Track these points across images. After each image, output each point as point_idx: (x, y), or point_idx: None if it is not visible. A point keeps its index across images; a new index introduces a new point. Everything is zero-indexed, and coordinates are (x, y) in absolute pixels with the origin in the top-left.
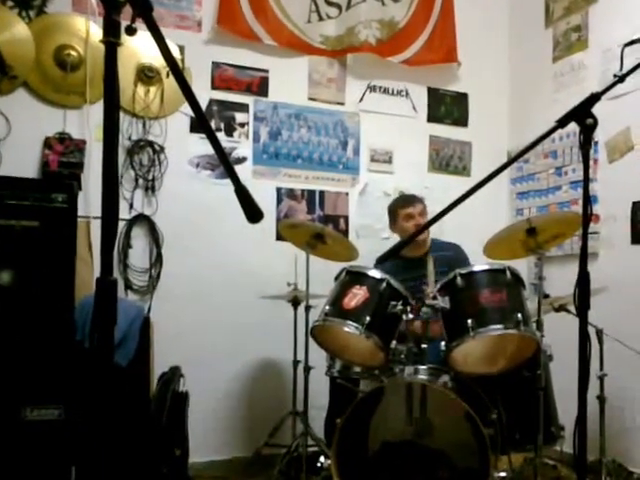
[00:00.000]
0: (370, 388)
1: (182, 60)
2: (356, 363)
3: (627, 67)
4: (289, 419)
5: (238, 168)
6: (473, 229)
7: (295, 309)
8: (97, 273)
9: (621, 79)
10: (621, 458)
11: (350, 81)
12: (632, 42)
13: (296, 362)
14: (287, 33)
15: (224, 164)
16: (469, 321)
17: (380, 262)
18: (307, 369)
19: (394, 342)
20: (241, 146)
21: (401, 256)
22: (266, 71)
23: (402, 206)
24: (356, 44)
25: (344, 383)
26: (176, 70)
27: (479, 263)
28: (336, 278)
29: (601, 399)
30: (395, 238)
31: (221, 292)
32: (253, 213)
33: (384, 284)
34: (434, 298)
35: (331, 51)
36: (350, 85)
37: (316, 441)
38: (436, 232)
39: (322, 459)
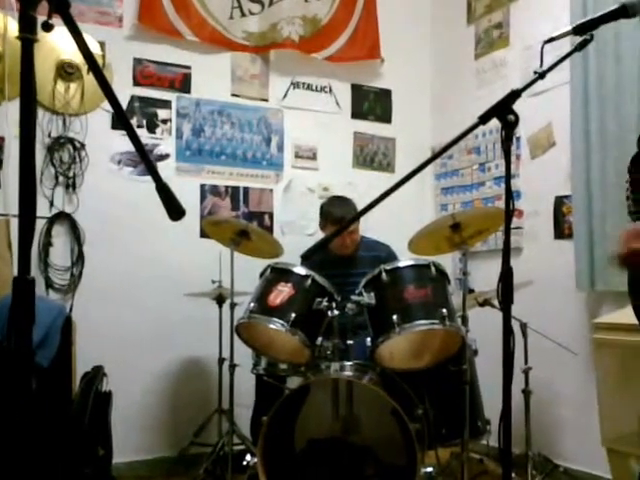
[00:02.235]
0: (296, 385)
1: (103, 56)
2: (282, 360)
3: (547, 64)
4: (215, 417)
5: (161, 165)
6: (398, 225)
7: (220, 306)
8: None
9: (541, 76)
10: (547, 451)
11: (273, 77)
12: (552, 39)
13: (221, 360)
14: (209, 29)
15: (144, 161)
16: (394, 317)
17: (305, 258)
18: (232, 367)
19: (320, 338)
20: (164, 143)
21: (330, 253)
22: (189, 67)
23: (333, 222)
24: (279, 40)
25: (270, 380)
26: (94, 66)
27: (404, 259)
28: (261, 275)
29: (526, 393)
30: (320, 234)
31: (145, 290)
32: (174, 210)
33: (309, 281)
34: (360, 294)
35: (254, 47)
36: (273, 81)
37: (242, 439)
38: (362, 228)
39: (248, 457)
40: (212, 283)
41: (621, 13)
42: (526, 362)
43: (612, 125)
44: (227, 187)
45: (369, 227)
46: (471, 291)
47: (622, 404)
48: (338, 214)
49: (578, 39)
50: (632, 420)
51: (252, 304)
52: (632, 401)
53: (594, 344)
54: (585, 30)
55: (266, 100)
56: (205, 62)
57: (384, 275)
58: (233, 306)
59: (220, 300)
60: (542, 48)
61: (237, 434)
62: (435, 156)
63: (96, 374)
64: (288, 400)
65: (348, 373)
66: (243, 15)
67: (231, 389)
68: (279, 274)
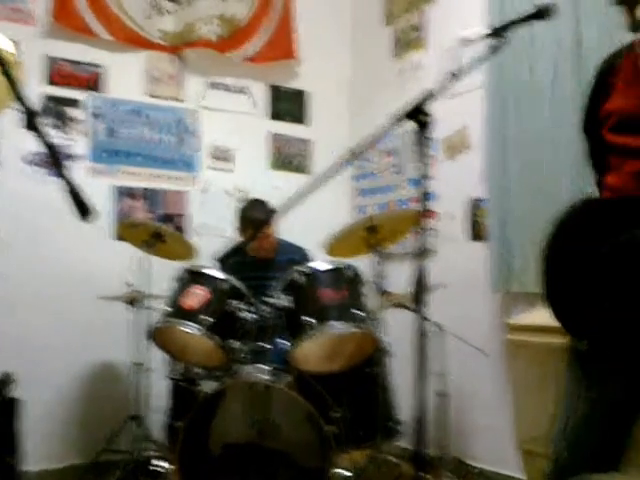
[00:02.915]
0: (212, 389)
1: (14, 54)
2: (197, 364)
3: (464, 66)
4: (128, 423)
5: (74, 166)
6: (316, 227)
7: (134, 310)
8: None
9: (455, 78)
10: (462, 453)
11: (190, 78)
12: (467, 41)
13: (135, 365)
14: (124, 28)
15: (53, 161)
16: (310, 319)
17: (220, 261)
18: (146, 371)
19: (236, 342)
20: (77, 143)
21: (248, 256)
22: (104, 67)
23: (251, 225)
24: (196, 40)
25: (185, 385)
26: (2, 65)
27: (320, 261)
28: (176, 278)
29: (442, 395)
30: (237, 237)
31: (57, 294)
32: (84, 211)
33: (225, 283)
34: (276, 297)
35: (170, 47)
36: (190, 82)
37: (157, 445)
38: (279, 231)
39: (163, 464)
40: (126, 286)
41: (535, 16)
42: (442, 364)
43: (526, 128)
44: (142, 189)
45: (286, 230)
46: (387, 293)
47: (536, 405)
48: (256, 217)
49: (494, 42)
50: (545, 420)
51: (166, 308)
52: (545, 401)
53: (508, 345)
54: (500, 33)
55: (183, 101)
56: (121, 61)
57: (300, 278)
58: (147, 310)
59: (134, 303)
60: (457, 50)
61: (151, 440)
62: (348, 158)
63: (4, 381)
64: (203, 405)
65: (264, 377)
66: (159, 14)
67: (145, 394)
68: (194, 277)
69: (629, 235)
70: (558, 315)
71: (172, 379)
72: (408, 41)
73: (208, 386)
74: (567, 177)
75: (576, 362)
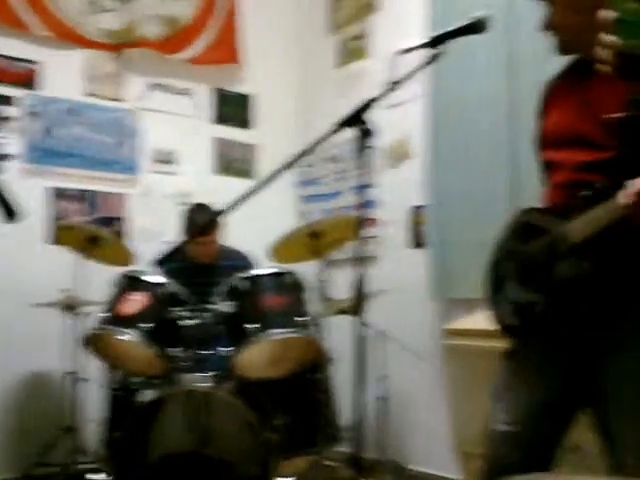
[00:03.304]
0: (150, 398)
1: None
2: (135, 373)
3: (402, 76)
4: (63, 436)
5: (7, 166)
6: (260, 233)
7: (69, 317)
8: None
9: (395, 87)
10: (401, 456)
11: (130, 77)
12: (406, 51)
13: (70, 374)
14: (61, 24)
15: None
16: (252, 326)
17: (158, 265)
18: (82, 381)
19: (175, 349)
20: (10, 142)
21: (190, 261)
22: (39, 63)
23: (195, 230)
24: (136, 39)
25: (123, 395)
26: None
27: (264, 267)
28: (113, 284)
29: (383, 399)
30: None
31: None
32: (10, 212)
33: (164, 289)
34: (217, 303)
35: (110, 45)
36: (130, 82)
37: (92, 458)
38: (222, 237)
39: (99, 477)
40: (60, 292)
41: (470, 29)
42: (382, 369)
43: (463, 137)
44: (78, 190)
45: (230, 235)
46: (329, 299)
47: (472, 407)
48: (200, 222)
49: (431, 53)
50: (480, 422)
51: (103, 314)
52: (480, 404)
53: (444, 350)
54: (437, 44)
55: (122, 101)
56: (57, 58)
57: (243, 283)
58: (83, 316)
59: (69, 310)
60: (398, 59)
61: (87, 452)
62: (289, 164)
63: None
64: (141, 414)
65: (204, 384)
66: (99, 11)
67: (80, 405)
68: (132, 282)
69: (547, 238)
70: (496, 316)
71: (109, 389)
72: (352, 50)
73: (147, 395)
74: (503, 184)
75: (509, 363)
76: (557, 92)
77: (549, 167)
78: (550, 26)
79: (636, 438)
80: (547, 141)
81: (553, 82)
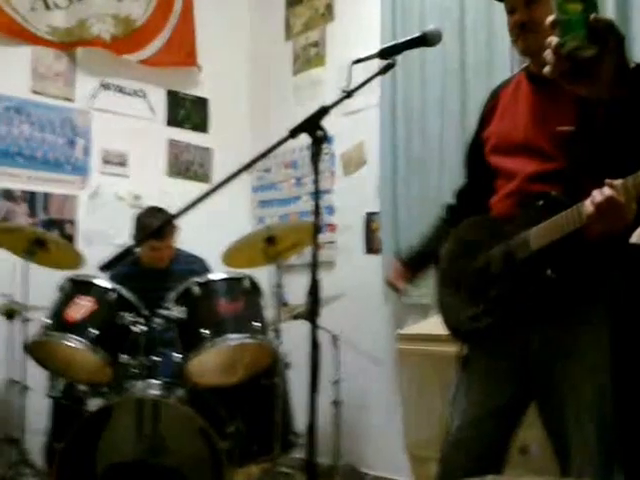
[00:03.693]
0: (97, 407)
1: None
2: (81, 381)
3: (356, 84)
4: (3, 447)
5: None
6: (214, 237)
7: (11, 323)
8: None
9: (349, 95)
10: (356, 461)
11: (81, 77)
12: (359, 60)
13: (11, 382)
14: (6, 19)
15: None
16: (206, 331)
17: (104, 269)
18: (24, 390)
19: (124, 356)
20: None
21: (142, 266)
22: None
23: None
24: (88, 38)
25: (68, 403)
26: None
27: (218, 272)
28: (60, 288)
29: (337, 404)
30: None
31: None
32: None
33: (113, 294)
34: (169, 308)
35: (59, 43)
36: (81, 81)
37: (34, 470)
38: (177, 241)
39: None
40: (2, 297)
41: (421, 41)
42: (337, 373)
43: (417, 145)
44: (24, 192)
45: (184, 240)
46: (285, 304)
47: (424, 411)
48: (153, 225)
49: (384, 63)
50: (432, 426)
51: (48, 320)
52: (432, 407)
53: (398, 354)
54: (390, 54)
55: (72, 100)
56: (3, 55)
57: (196, 288)
58: (26, 322)
59: (11, 316)
60: (351, 68)
61: (28, 464)
62: (244, 168)
63: None
64: (87, 424)
65: (154, 392)
66: (48, 8)
67: (21, 415)
68: (80, 287)
69: (503, 246)
70: (446, 322)
71: (53, 397)
72: (308, 57)
73: (94, 404)
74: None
75: (462, 368)
76: (507, 99)
77: (497, 175)
78: (524, 27)
79: (584, 438)
80: (496, 147)
81: (502, 89)
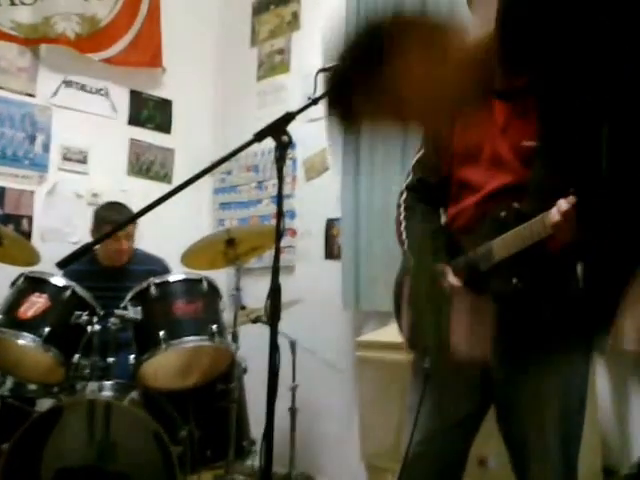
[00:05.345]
0: (45, 408)
1: None
2: (32, 380)
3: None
4: None
5: None
6: (174, 238)
7: None
8: None
9: (314, 102)
10: (312, 470)
11: (43, 73)
12: (326, 69)
13: None
14: None
15: None
16: (161, 333)
17: (61, 266)
18: None
19: (77, 356)
20: None
21: (99, 264)
22: None
23: (106, 228)
24: (52, 35)
25: (16, 404)
26: None
27: (177, 272)
28: (12, 284)
29: (292, 410)
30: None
31: None
32: None
33: (68, 292)
34: (125, 308)
35: (23, 39)
36: (43, 77)
37: None
38: (136, 239)
39: None
40: None
41: None
42: (294, 380)
43: (379, 152)
44: None
45: (143, 239)
46: (243, 308)
47: (381, 420)
48: (112, 219)
49: None
50: (389, 435)
51: None
52: (390, 417)
53: (356, 361)
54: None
55: (33, 96)
56: None
57: (153, 289)
58: None
59: None
60: (316, 76)
61: None
62: (206, 170)
63: None
64: (35, 425)
65: (106, 394)
66: (13, 3)
67: None
68: (33, 284)
69: (465, 258)
70: (404, 330)
71: (0, 396)
72: (272, 64)
73: (44, 404)
74: None
75: (419, 378)
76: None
77: (460, 186)
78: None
79: (546, 447)
80: (458, 158)
81: None
